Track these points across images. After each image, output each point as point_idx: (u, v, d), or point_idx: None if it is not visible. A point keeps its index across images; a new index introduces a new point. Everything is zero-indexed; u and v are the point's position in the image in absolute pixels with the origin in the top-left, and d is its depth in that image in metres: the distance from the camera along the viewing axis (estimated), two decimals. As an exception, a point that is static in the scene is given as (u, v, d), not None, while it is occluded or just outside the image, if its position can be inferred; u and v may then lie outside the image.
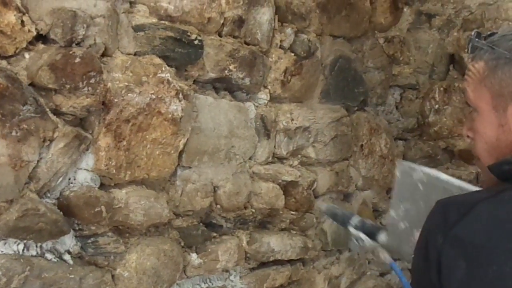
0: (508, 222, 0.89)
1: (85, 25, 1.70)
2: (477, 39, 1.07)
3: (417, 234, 1.41)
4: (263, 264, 2.48)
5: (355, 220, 1.77)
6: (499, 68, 1.01)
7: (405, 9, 3.13)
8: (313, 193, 2.66)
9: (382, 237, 1.63)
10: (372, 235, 1.68)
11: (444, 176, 1.41)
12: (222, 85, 2.24)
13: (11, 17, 1.55)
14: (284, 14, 2.45)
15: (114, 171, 1.85)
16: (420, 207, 1.41)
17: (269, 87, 2.40)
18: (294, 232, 2.62)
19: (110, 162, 1.83)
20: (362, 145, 2.93)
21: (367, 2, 2.84)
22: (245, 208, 2.35)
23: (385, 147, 3.04)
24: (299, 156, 2.60)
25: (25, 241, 1.70)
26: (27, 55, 1.65)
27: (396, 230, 1.51)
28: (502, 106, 1.01)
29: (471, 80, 1.07)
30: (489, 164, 1.03)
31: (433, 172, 1.44)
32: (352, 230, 1.75)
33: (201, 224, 2.21)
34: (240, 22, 2.21)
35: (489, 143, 1.05)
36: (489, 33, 1.08)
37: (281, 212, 2.51)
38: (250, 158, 2.35)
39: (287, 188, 2.51)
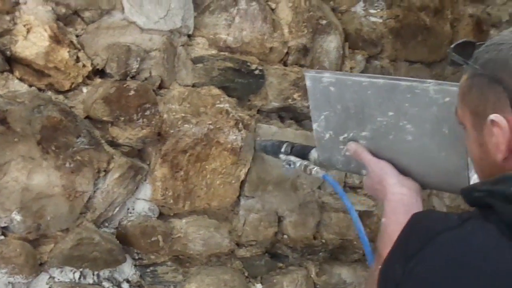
0: (461, 264, 0.82)
1: (138, 59, 1.75)
2: (453, 53, 1.00)
3: (342, 139, 1.42)
4: (334, 297, 2.41)
5: (284, 147, 1.78)
6: (474, 85, 0.94)
7: (491, 31, 2.97)
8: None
9: (313, 154, 1.63)
10: (303, 155, 1.68)
11: (348, 74, 1.41)
12: (288, 114, 2.22)
13: (64, 53, 1.63)
14: (355, 41, 2.40)
15: (172, 201, 1.88)
16: (338, 110, 1.38)
17: (338, 115, 2.35)
18: (369, 264, 2.52)
19: (167, 192, 1.86)
20: (445, 174, 2.80)
21: (446, 26, 2.73)
22: (314, 238, 2.30)
23: (471, 175, 2.88)
24: (375, 185, 2.51)
25: (81, 269, 1.75)
26: (84, 89, 1.72)
27: (323, 142, 1.47)
28: (479, 125, 0.93)
29: (459, 96, 1.00)
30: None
31: (338, 72, 1.40)
32: (282, 156, 1.76)
33: (266, 254, 2.19)
34: (305, 50, 2.19)
35: (476, 161, 0.99)
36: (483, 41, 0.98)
37: (354, 242, 2.43)
38: (319, 188, 2.31)
39: (360, 218, 2.43)
